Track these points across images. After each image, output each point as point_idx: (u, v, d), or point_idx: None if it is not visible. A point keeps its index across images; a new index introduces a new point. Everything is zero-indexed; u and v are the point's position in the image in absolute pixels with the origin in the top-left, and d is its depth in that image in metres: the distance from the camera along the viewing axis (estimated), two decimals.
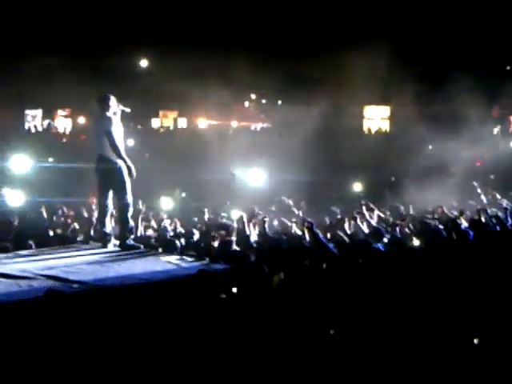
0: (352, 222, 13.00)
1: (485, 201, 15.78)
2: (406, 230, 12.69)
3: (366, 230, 12.63)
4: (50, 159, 25.35)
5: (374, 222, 13.25)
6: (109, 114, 11.03)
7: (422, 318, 7.79)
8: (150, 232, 13.45)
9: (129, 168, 10.90)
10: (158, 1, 34.51)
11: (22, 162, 15.27)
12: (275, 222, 14.75)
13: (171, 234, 12.89)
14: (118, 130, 11.01)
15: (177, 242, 11.35)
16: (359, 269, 9.77)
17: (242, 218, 12.32)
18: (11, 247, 11.28)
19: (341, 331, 7.61)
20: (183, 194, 21.16)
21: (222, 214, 14.64)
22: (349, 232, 12.53)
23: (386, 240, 11.40)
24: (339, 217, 13.56)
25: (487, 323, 7.74)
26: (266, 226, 12.15)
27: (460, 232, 11.95)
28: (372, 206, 14.28)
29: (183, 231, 13.12)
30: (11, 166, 15.76)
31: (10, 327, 7.17)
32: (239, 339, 7.30)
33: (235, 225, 12.78)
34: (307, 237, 11.13)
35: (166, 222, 13.80)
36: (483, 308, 8.19)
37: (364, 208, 13.79)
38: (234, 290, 8.68)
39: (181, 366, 6.83)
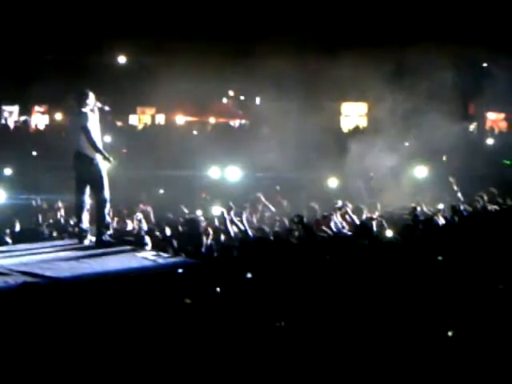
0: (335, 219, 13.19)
1: (461, 197, 15.85)
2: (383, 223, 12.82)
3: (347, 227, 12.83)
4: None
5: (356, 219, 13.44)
6: (85, 109, 11.03)
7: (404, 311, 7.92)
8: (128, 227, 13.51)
9: (107, 158, 10.93)
10: None
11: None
12: (254, 219, 14.83)
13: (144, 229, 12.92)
14: (94, 125, 11.02)
15: (146, 237, 11.41)
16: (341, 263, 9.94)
17: (222, 214, 12.41)
18: None
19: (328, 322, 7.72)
20: (161, 191, 21.14)
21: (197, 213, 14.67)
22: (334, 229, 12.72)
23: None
24: (325, 214, 13.62)
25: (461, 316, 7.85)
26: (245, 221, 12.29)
27: (436, 228, 12.17)
28: (348, 204, 14.40)
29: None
30: None
31: None
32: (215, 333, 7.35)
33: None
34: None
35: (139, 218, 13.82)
36: (457, 301, 8.30)
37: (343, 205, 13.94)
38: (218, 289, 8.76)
39: (153, 360, 6.87)
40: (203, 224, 12.44)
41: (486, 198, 15.09)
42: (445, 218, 13.41)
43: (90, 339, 7.03)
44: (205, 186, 20.78)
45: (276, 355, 6.98)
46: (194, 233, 11.83)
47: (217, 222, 13.30)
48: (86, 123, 10.84)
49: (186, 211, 15.09)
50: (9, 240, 12.70)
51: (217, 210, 14.07)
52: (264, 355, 6.96)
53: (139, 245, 11.11)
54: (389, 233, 12.11)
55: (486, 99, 27.53)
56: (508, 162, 23.69)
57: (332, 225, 12.80)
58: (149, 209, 15.07)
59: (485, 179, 18.59)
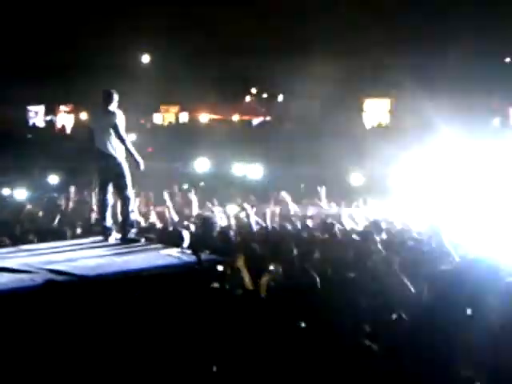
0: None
1: None
2: None
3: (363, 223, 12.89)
4: None
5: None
6: (112, 108, 11.13)
7: None
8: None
9: (137, 162, 11.03)
10: None
11: None
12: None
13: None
14: (122, 124, 11.11)
15: (184, 233, 11.42)
16: None
17: (246, 210, 12.53)
18: (9, 242, 11.36)
19: None
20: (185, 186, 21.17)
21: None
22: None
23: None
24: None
25: None
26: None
27: None
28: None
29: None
30: None
31: (12, 319, 7.27)
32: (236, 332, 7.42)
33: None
34: None
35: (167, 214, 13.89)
36: None
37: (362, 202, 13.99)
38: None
39: (175, 359, 6.94)
40: (219, 223, 12.50)
41: None
42: None
43: (115, 337, 7.11)
44: (229, 182, 20.85)
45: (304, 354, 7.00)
46: (209, 231, 11.88)
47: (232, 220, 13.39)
48: (115, 121, 10.93)
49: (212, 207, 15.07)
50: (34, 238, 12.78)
51: (232, 208, 14.16)
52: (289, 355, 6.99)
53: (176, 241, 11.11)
54: None
55: (509, 94, 27.35)
56: None
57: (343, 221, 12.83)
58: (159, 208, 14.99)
59: None
